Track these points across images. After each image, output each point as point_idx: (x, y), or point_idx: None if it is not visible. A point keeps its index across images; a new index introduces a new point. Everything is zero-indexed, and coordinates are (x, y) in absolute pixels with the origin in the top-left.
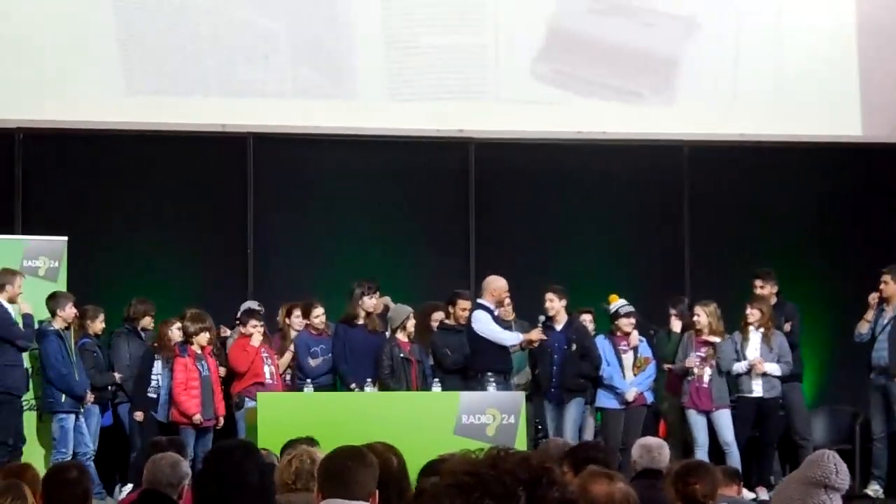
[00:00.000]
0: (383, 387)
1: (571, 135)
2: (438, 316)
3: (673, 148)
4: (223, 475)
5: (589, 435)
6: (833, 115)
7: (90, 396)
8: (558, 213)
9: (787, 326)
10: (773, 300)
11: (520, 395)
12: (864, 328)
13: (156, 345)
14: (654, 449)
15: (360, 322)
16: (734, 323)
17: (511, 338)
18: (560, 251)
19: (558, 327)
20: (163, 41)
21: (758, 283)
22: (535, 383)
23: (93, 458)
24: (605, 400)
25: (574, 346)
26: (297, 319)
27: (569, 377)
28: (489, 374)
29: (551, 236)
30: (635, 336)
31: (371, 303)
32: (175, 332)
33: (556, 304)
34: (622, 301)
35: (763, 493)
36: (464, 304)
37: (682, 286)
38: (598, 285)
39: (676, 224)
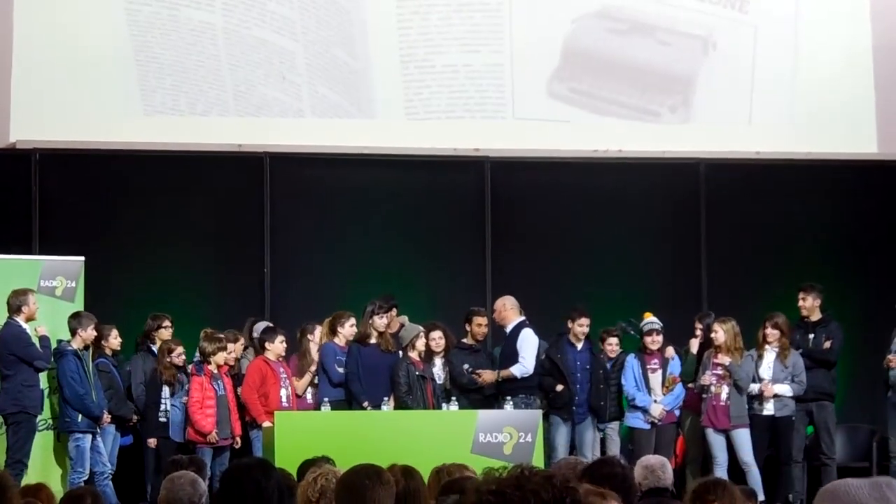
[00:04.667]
0: (401, 405)
1: (587, 153)
2: (436, 335)
3: (689, 166)
4: (242, 493)
5: (615, 452)
6: (849, 133)
7: (107, 417)
8: (575, 231)
9: (827, 344)
10: (818, 315)
11: (537, 414)
12: None
13: (161, 369)
14: (656, 468)
15: (374, 341)
16: (751, 340)
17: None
18: (576, 269)
19: (579, 346)
20: (179, 61)
21: (800, 295)
22: (550, 402)
23: (110, 477)
24: (632, 419)
25: (597, 368)
26: (315, 335)
27: (594, 397)
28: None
29: (568, 254)
30: (671, 351)
31: (382, 322)
32: (175, 359)
33: (583, 329)
34: (651, 319)
35: None
36: (479, 320)
37: (699, 304)
38: (614, 303)
39: (693, 242)
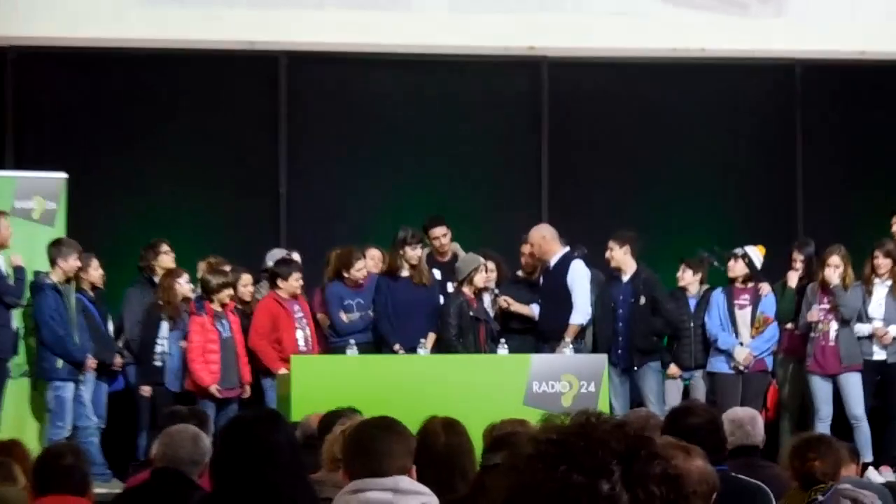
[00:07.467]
0: (448, 350)
1: (663, 52)
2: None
3: (783, 67)
4: (247, 451)
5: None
6: None
7: (92, 362)
8: (646, 143)
9: None
10: None
11: (601, 359)
12: None
13: (160, 302)
14: (745, 423)
15: (405, 274)
16: (855, 270)
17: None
18: (646, 188)
19: (625, 279)
20: None
21: (894, 219)
22: (594, 345)
23: (96, 433)
24: (715, 363)
25: (643, 300)
26: None
27: (639, 336)
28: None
29: (636, 170)
30: (766, 287)
31: (414, 254)
32: (184, 287)
33: (615, 254)
34: (754, 250)
35: (889, 474)
36: (435, 232)
37: (795, 230)
38: (690, 228)
39: (787, 156)
